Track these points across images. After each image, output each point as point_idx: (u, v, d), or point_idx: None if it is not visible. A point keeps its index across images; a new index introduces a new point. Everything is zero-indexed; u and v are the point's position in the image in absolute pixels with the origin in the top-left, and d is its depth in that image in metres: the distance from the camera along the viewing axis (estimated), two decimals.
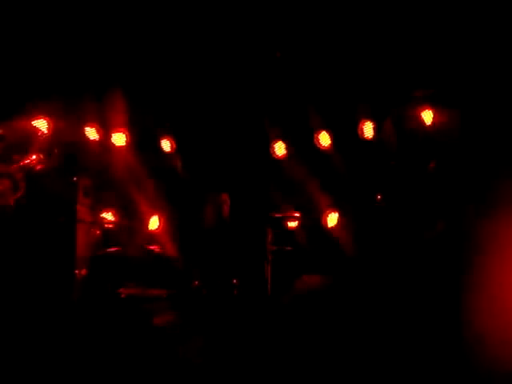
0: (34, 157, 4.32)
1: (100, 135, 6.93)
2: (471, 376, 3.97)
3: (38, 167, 4.36)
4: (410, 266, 5.51)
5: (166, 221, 7.06)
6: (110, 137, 7.05)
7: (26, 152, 4.28)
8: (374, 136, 6.49)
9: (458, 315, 3.93)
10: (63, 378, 5.05)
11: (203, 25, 6.82)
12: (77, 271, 5.77)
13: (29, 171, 4.27)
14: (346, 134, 6.82)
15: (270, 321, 5.17)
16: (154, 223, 6.96)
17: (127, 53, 7.21)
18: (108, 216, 6.73)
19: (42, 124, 6.31)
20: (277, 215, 5.66)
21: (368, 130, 6.51)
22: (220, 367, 4.94)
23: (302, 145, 7.20)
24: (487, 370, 4.03)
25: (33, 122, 6.21)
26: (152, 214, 6.99)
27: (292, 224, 6.65)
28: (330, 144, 6.81)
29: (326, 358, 5.48)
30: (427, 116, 5.60)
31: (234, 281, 5.16)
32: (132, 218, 6.93)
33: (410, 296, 4.95)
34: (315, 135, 6.82)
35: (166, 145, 7.39)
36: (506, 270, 4.17)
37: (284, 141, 7.19)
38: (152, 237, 6.65)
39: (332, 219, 6.62)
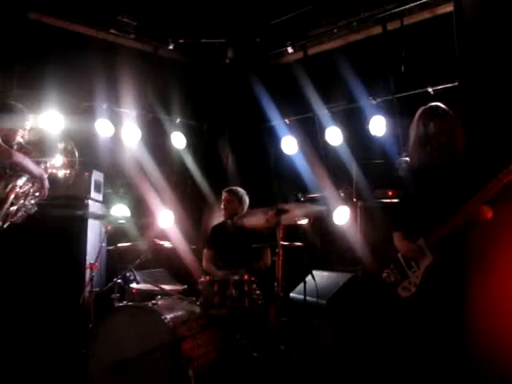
0: (57, 161, 4.31)
1: (112, 131, 6.98)
2: (471, 377, 3.98)
3: (62, 172, 4.36)
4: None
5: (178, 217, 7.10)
6: (122, 132, 7.10)
7: (46, 153, 4.27)
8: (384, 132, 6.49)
9: (461, 315, 3.93)
10: (74, 374, 5.07)
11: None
12: (88, 266, 5.78)
13: (53, 176, 4.27)
14: (355, 130, 6.82)
15: (281, 317, 5.16)
16: (166, 219, 7.00)
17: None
18: (120, 211, 6.77)
19: (55, 120, 6.34)
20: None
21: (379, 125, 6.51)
22: (231, 362, 4.94)
23: (311, 141, 7.21)
24: (488, 370, 4.03)
25: (46, 119, 6.24)
26: (164, 210, 7.03)
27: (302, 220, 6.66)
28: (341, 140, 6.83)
29: (336, 358, 5.50)
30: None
31: (246, 277, 5.14)
32: (144, 214, 6.97)
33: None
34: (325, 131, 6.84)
35: (177, 141, 7.43)
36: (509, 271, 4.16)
37: (294, 136, 7.21)
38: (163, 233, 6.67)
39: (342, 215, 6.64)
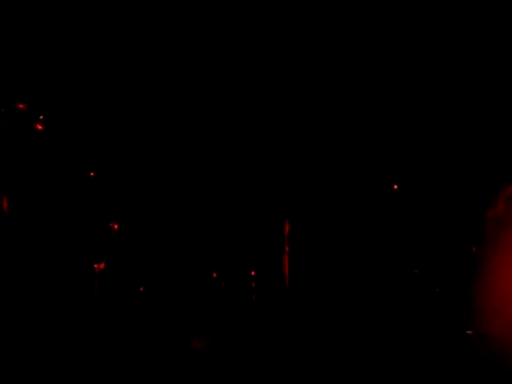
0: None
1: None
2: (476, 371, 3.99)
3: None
4: (426, 256, 5.51)
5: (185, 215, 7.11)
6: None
7: None
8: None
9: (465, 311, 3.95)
10: (81, 370, 5.10)
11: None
12: (95, 265, 5.81)
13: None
14: (359, 126, 6.82)
15: (287, 312, 5.18)
16: None
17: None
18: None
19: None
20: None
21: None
22: (236, 359, 4.96)
23: (316, 137, 7.20)
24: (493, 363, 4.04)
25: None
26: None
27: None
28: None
29: (345, 350, 5.50)
30: None
31: (253, 273, 5.17)
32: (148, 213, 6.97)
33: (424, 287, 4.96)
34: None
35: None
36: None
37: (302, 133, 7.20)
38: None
39: None
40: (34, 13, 6.42)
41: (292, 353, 5.05)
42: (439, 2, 6.16)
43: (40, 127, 4.38)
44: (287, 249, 5.06)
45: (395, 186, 6.13)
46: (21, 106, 4.53)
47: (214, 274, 5.23)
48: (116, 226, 5.85)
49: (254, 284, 5.12)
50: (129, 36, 6.98)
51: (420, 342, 4.31)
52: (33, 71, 6.40)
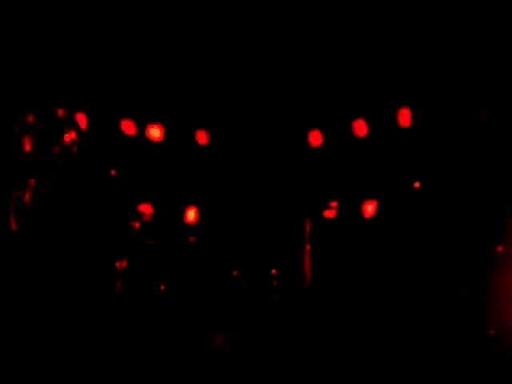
0: (68, 138, 4.36)
1: (136, 129, 7.01)
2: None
3: (74, 149, 4.42)
4: (450, 256, 5.46)
5: (204, 213, 7.13)
6: (147, 131, 7.13)
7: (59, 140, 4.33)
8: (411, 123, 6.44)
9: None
10: (101, 368, 5.14)
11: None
12: (117, 264, 5.85)
13: (65, 153, 4.34)
14: (382, 122, 6.77)
15: (308, 312, 5.16)
16: (191, 215, 7.02)
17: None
18: (146, 209, 6.81)
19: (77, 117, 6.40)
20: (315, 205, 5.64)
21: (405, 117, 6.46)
22: (258, 359, 4.97)
23: (338, 133, 7.17)
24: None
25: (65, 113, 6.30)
26: (189, 207, 7.06)
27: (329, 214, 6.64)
28: (366, 132, 6.78)
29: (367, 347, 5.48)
30: None
31: (273, 271, 5.16)
32: (169, 211, 7.01)
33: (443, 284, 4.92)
34: (351, 123, 6.79)
35: (201, 137, 7.44)
36: None
37: (320, 129, 7.17)
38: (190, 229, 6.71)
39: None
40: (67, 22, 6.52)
41: (312, 352, 5.04)
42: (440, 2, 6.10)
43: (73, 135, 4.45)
44: (308, 248, 5.04)
45: (417, 185, 6.08)
46: (60, 111, 4.60)
47: (235, 273, 5.23)
48: (137, 225, 5.87)
49: (275, 283, 5.11)
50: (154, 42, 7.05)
51: (443, 342, 4.27)
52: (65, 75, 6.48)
